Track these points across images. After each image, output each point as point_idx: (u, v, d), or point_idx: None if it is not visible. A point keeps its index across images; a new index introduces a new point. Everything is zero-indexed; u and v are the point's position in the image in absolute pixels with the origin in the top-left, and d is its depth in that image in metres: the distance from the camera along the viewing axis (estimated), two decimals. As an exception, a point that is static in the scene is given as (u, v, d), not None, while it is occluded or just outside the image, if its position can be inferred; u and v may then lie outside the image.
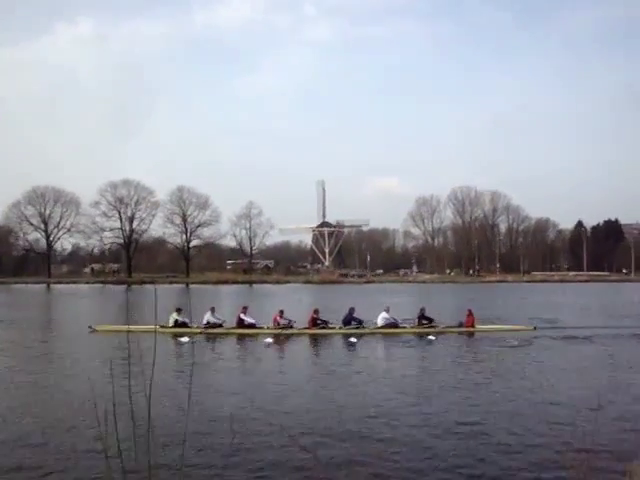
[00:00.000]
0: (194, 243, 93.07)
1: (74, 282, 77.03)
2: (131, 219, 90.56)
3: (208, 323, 18.75)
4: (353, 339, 17.42)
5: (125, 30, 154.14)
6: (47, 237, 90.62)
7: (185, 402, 6.99)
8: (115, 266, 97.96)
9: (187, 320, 18.81)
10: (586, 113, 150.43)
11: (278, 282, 78.84)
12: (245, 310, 19.18)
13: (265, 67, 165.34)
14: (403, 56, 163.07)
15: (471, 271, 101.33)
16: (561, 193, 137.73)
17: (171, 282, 77.56)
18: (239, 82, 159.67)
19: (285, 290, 60.08)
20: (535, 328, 19.77)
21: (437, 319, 20.00)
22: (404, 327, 19.58)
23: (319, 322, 19.07)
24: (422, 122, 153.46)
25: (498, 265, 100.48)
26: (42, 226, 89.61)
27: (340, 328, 19.05)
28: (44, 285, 72.76)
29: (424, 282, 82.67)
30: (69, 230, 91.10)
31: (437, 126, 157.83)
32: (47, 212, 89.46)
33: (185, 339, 16.69)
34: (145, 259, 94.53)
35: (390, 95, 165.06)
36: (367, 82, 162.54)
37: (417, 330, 19.17)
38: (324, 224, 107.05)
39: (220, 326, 18.81)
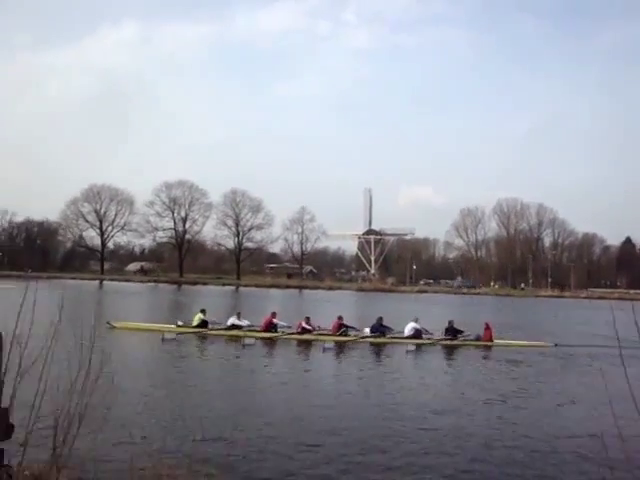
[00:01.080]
0: (245, 246, 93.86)
1: (126, 280, 78.35)
2: (184, 220, 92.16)
3: (233, 325, 19.18)
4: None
5: (168, 33, 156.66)
6: (101, 234, 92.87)
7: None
8: (153, 265, 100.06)
9: (209, 320, 19.41)
10: (635, 124, 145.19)
11: (331, 288, 78.10)
12: (274, 315, 19.57)
13: (304, 73, 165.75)
14: (440, 65, 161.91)
15: (522, 285, 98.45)
16: (608, 208, 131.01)
17: (223, 284, 78.36)
18: (277, 88, 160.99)
19: (339, 296, 59.17)
20: (556, 345, 19.43)
21: (466, 331, 19.88)
22: (428, 338, 19.40)
23: (343, 328, 19.30)
24: (457, 131, 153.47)
25: (550, 280, 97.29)
26: (97, 223, 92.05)
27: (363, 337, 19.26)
28: (96, 282, 73.53)
29: (477, 294, 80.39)
30: (122, 228, 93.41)
31: (472, 136, 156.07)
32: (102, 210, 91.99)
33: (251, 341, 17.29)
34: (192, 260, 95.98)
35: (425, 104, 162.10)
36: (404, 90, 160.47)
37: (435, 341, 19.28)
38: (370, 232, 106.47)
39: (240, 328, 19.09)
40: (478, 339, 19.45)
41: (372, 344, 18.60)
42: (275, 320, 19.25)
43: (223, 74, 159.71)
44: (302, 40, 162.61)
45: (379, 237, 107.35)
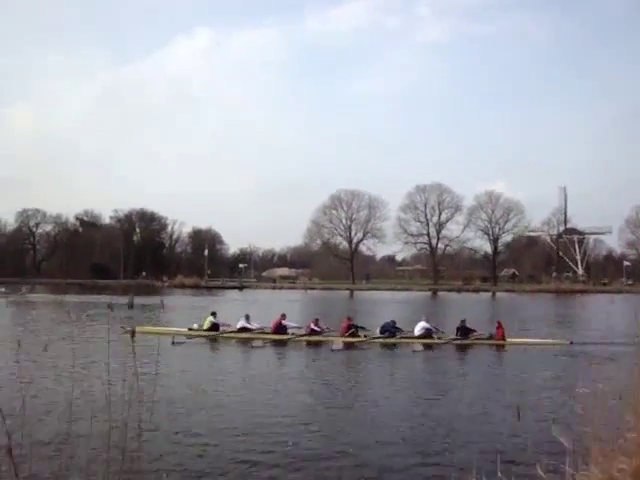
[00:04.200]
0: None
1: (376, 289, 79.03)
2: (438, 224, 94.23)
3: (243, 328, 20.22)
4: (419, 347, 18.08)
5: (239, 39, 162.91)
6: (350, 241, 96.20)
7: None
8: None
9: (220, 323, 20.71)
10: None
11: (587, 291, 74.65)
12: (284, 317, 20.40)
13: (375, 70, 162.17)
14: (516, 55, 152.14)
15: None
16: None
17: (476, 290, 78.13)
18: (349, 86, 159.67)
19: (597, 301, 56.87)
20: (572, 343, 18.73)
21: (478, 330, 19.78)
22: (439, 338, 19.55)
23: (353, 329, 19.81)
24: (532, 124, 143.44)
25: None
26: (346, 230, 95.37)
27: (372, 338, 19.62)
28: (346, 292, 75.88)
29: None
30: (372, 234, 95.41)
31: (548, 128, 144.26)
32: (352, 216, 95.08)
33: (259, 343, 18.60)
34: (447, 265, 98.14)
35: (501, 96, 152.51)
36: (478, 82, 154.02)
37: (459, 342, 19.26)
38: (571, 230, 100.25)
39: (250, 331, 20.07)
40: (491, 337, 19.25)
41: (382, 345, 18.88)
42: (285, 322, 20.01)
43: (293, 77, 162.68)
44: (373, 37, 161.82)
45: (582, 236, 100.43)
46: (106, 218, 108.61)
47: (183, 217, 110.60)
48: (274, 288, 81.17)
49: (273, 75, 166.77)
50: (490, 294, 72.98)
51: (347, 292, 74.63)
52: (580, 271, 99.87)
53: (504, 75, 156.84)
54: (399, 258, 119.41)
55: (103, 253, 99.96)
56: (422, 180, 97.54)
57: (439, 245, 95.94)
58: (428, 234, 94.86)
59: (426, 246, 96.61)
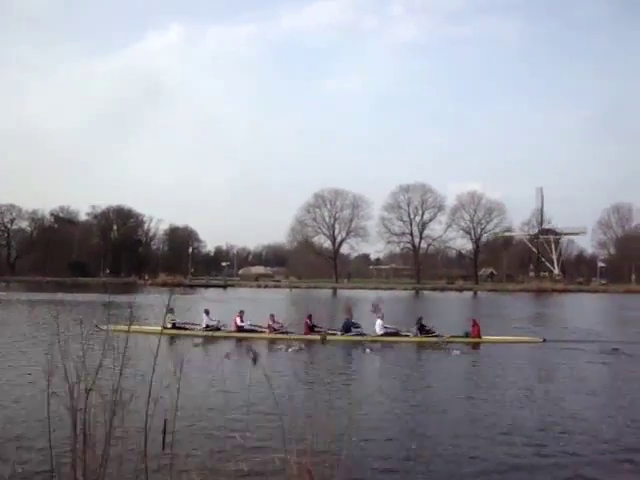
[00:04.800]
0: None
1: (361, 287, 78.74)
2: (421, 224, 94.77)
3: (207, 326, 20.03)
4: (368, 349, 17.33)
5: (213, 35, 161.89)
6: (333, 240, 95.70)
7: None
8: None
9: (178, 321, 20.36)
10: None
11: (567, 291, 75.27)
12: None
13: (348, 69, 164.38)
14: (490, 56, 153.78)
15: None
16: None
17: (459, 289, 78.44)
18: (322, 85, 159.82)
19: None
20: (544, 340, 19.01)
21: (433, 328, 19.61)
22: (406, 336, 19.27)
23: (314, 327, 19.68)
24: (504, 124, 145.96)
25: None
26: (329, 229, 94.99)
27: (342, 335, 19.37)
28: (329, 290, 75.61)
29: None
30: (355, 233, 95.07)
31: (520, 128, 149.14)
32: (335, 214, 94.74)
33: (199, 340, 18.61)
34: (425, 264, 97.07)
35: (475, 97, 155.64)
36: (452, 83, 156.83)
37: (418, 340, 18.94)
38: (548, 231, 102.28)
39: (218, 329, 19.91)
40: (467, 336, 19.10)
41: (345, 343, 18.53)
42: (243, 321, 19.96)
43: (268, 74, 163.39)
44: (347, 36, 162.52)
45: (558, 237, 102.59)
46: (82, 214, 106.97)
47: (156, 214, 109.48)
48: (258, 286, 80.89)
49: (248, 72, 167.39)
50: (472, 293, 73.98)
51: (330, 291, 74.72)
52: (556, 270, 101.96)
53: (481, 76, 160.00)
54: (373, 257, 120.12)
55: (80, 250, 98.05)
56: (399, 180, 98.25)
57: (422, 244, 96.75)
58: (411, 233, 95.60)
59: (409, 245, 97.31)
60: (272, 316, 20.01)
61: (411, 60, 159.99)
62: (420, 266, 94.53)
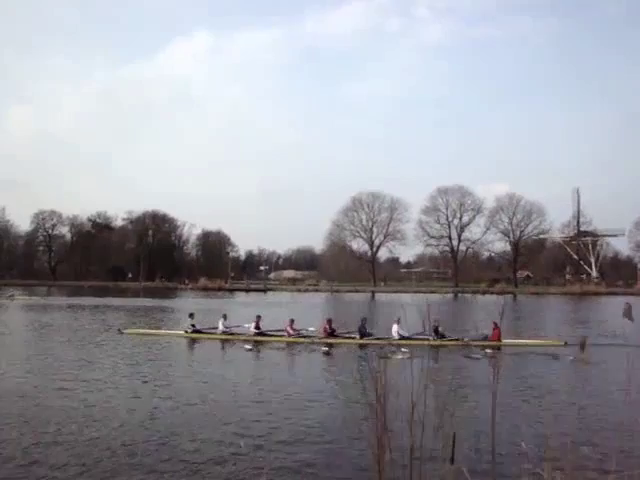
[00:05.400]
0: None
1: (401, 291, 77.52)
2: (460, 227, 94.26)
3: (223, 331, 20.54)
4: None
5: (238, 41, 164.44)
6: (371, 243, 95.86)
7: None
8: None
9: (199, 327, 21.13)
10: None
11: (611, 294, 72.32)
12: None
13: (374, 72, 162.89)
14: (517, 57, 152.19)
15: None
16: None
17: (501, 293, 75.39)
18: (347, 88, 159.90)
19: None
20: (566, 343, 18.54)
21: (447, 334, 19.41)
22: (425, 339, 18.12)
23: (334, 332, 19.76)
24: (534, 125, 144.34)
25: None
26: (366, 232, 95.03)
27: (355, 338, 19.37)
28: (368, 294, 74.80)
29: None
30: (394, 236, 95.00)
31: (553, 130, 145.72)
32: (373, 218, 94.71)
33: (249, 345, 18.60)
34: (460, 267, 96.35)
35: (502, 98, 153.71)
36: (478, 85, 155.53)
37: (437, 343, 18.57)
38: (585, 233, 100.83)
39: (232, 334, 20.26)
40: (486, 339, 18.88)
41: (359, 346, 18.49)
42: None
43: (293, 78, 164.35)
44: (372, 39, 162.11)
45: (596, 239, 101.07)
46: (118, 220, 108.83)
47: (188, 219, 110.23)
48: (298, 290, 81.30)
49: (273, 76, 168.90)
50: (512, 296, 73.24)
51: (368, 294, 74.59)
52: (594, 273, 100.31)
53: (506, 76, 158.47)
54: (403, 260, 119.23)
55: (120, 255, 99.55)
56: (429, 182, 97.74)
57: (460, 247, 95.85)
58: (449, 236, 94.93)
59: (447, 248, 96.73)
60: (292, 321, 20.18)
61: (435, 61, 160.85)
62: (458, 269, 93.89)
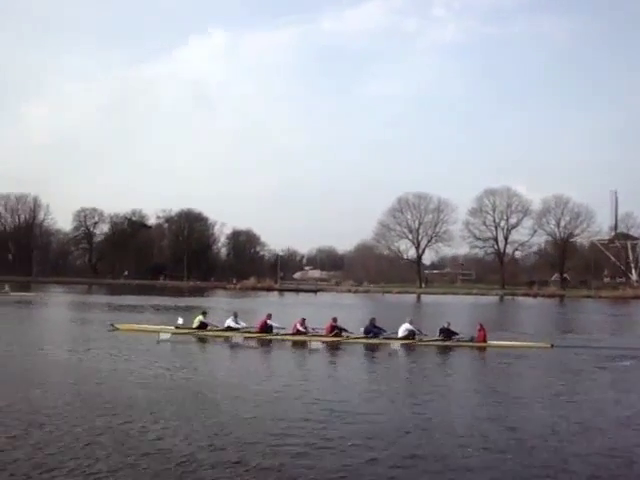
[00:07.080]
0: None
1: (444, 293, 79.39)
2: (507, 228, 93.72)
3: (229, 327, 20.75)
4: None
5: (255, 40, 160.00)
6: (417, 245, 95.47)
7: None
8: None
9: (208, 322, 21.15)
10: None
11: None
12: (270, 317, 20.76)
13: (390, 72, 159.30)
14: (536, 56, 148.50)
15: None
16: None
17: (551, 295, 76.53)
18: (363, 88, 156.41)
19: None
20: (552, 346, 18.55)
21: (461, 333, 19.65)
22: (420, 340, 19.42)
23: (336, 330, 19.97)
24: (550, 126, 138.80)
25: None
26: (411, 234, 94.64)
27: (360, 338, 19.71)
28: (413, 295, 76.01)
29: None
30: (441, 238, 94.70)
31: (569, 130, 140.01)
32: (418, 219, 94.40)
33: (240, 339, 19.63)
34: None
35: (517, 97, 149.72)
36: (496, 84, 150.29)
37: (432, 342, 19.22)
38: (624, 236, 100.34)
39: (236, 330, 20.54)
40: (472, 340, 19.11)
41: (365, 345, 18.96)
42: (270, 322, 20.47)
43: (309, 77, 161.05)
44: (388, 39, 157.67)
45: (635, 242, 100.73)
46: (152, 218, 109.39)
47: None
48: (348, 291, 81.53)
49: (289, 76, 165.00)
50: (558, 299, 73.13)
51: (413, 296, 74.81)
52: (634, 277, 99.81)
53: (522, 76, 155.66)
54: (427, 262, 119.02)
55: (160, 254, 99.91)
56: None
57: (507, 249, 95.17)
58: (496, 238, 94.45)
59: (492, 250, 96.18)
60: (303, 320, 20.42)
61: (452, 61, 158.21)
62: (504, 272, 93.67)
